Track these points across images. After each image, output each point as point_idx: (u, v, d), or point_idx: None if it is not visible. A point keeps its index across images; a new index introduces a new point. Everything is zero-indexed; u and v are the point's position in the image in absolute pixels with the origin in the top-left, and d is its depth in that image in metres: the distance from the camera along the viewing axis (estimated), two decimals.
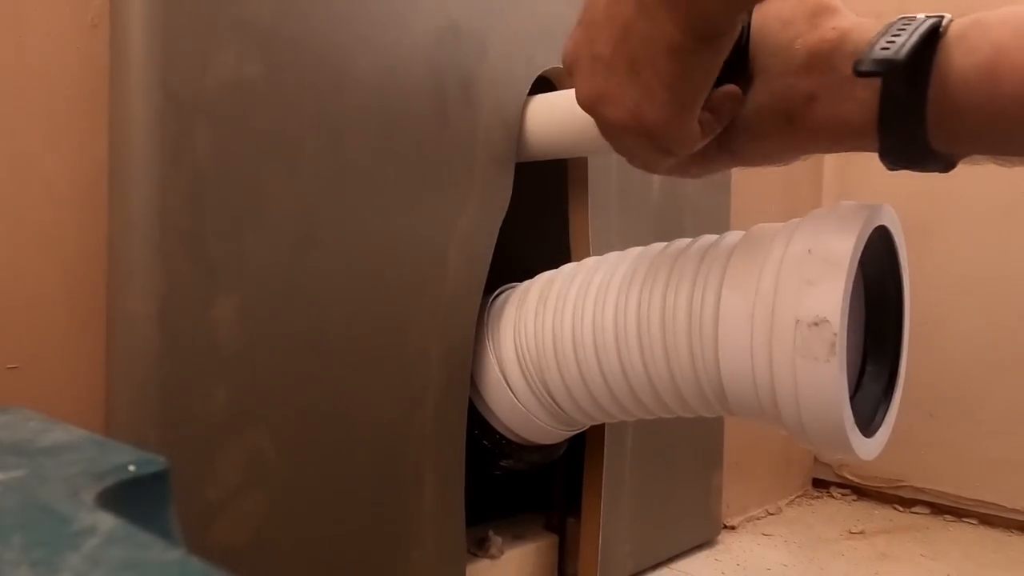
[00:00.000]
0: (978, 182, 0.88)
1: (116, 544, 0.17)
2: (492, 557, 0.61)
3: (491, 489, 0.63)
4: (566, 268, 0.55)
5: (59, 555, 0.17)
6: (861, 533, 0.85)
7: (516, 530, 0.66)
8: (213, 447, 0.41)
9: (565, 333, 0.51)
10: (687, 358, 0.45)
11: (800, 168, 0.92)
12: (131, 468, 0.22)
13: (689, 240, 0.50)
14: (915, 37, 0.36)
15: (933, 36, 0.37)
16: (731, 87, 0.42)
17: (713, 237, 0.48)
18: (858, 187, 0.96)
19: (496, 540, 0.62)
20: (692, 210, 0.71)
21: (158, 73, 0.38)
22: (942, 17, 0.38)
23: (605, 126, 0.42)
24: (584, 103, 0.41)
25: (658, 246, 0.51)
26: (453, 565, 0.54)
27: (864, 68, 0.36)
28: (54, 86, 0.38)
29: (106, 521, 0.19)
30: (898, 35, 0.37)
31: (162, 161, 0.39)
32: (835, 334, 0.38)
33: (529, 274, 0.57)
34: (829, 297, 0.39)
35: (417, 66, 0.49)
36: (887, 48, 0.36)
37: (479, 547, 0.62)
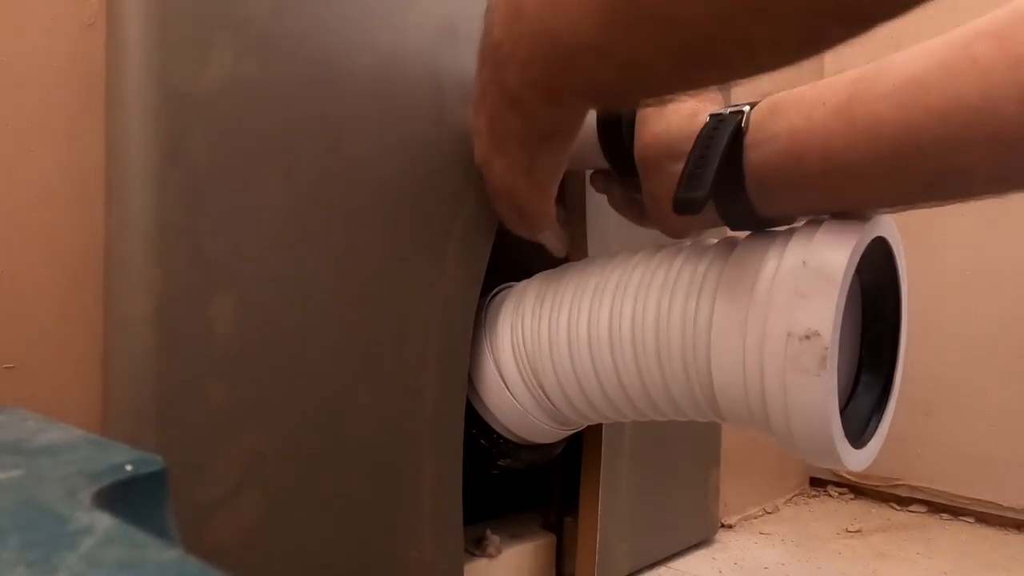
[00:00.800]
0: None
1: (113, 544, 0.17)
2: (490, 556, 0.61)
3: (489, 488, 0.63)
4: (563, 268, 0.55)
5: (56, 555, 0.17)
6: (858, 532, 0.85)
7: (514, 529, 0.66)
8: (210, 446, 0.41)
9: (561, 334, 0.51)
10: (680, 364, 0.45)
11: None
12: (128, 468, 0.22)
13: (686, 244, 0.50)
14: (715, 163, 0.43)
15: (737, 137, 0.43)
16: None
17: (710, 242, 0.48)
18: None
19: (494, 539, 0.62)
20: None
21: (155, 72, 0.38)
22: (742, 113, 0.44)
23: (488, 188, 0.50)
24: (477, 163, 0.50)
25: (655, 249, 0.51)
26: (451, 564, 0.54)
27: (679, 209, 0.43)
28: (50, 85, 0.38)
29: (103, 521, 0.19)
30: (702, 161, 0.43)
31: (159, 160, 0.39)
32: (826, 348, 0.38)
33: (527, 274, 0.57)
34: (821, 311, 0.38)
35: (414, 65, 0.49)
36: (691, 187, 0.43)
37: (477, 546, 0.62)
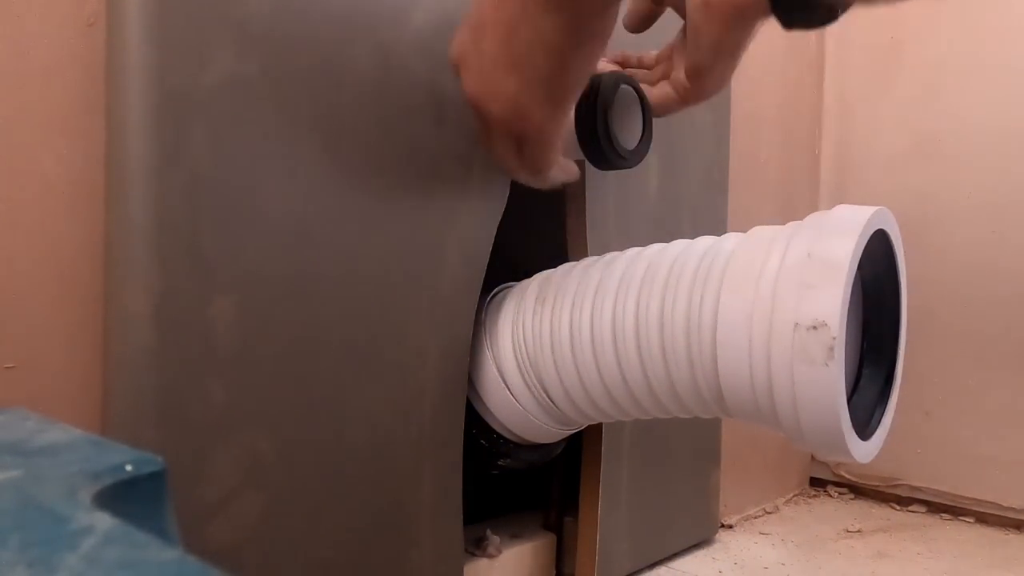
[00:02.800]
0: (974, 180, 0.88)
1: (113, 544, 0.17)
2: (490, 556, 0.61)
3: (489, 488, 0.63)
4: (564, 268, 0.55)
5: (56, 555, 0.17)
6: (858, 532, 0.85)
7: (514, 529, 0.66)
8: (210, 446, 0.41)
9: (563, 333, 0.51)
10: (685, 360, 0.46)
11: (798, 168, 0.92)
12: (128, 468, 0.22)
13: (687, 241, 0.50)
14: None
15: None
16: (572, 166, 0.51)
17: (712, 239, 0.48)
18: (855, 186, 0.96)
19: (494, 539, 0.62)
20: (690, 210, 0.71)
21: (155, 71, 0.38)
22: None
23: (485, 123, 0.45)
24: (470, 96, 0.45)
25: (656, 247, 0.51)
26: (451, 564, 0.54)
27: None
28: (51, 85, 0.38)
29: (103, 521, 0.19)
30: None
31: (159, 160, 0.39)
32: (834, 338, 0.38)
33: (527, 274, 0.57)
34: (828, 301, 0.39)
35: (414, 63, 0.49)
36: None
37: (477, 546, 0.62)
